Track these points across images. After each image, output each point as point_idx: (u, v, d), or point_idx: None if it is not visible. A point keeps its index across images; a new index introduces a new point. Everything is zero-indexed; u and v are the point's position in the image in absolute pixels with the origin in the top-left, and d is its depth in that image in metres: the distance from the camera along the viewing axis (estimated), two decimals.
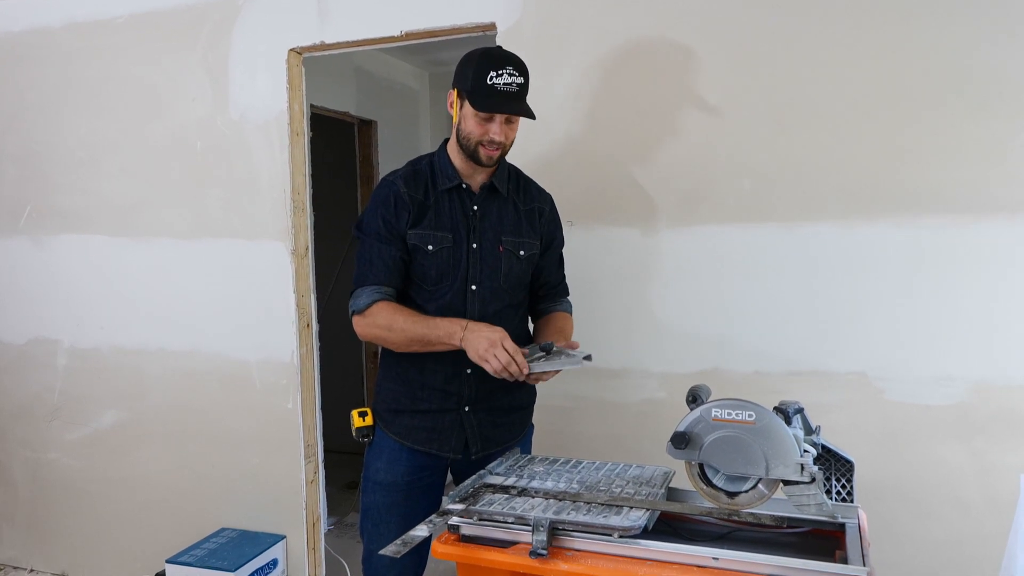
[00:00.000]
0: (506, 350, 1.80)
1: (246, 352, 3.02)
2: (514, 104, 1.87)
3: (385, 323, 1.93)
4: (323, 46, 2.84)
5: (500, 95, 1.84)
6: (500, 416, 2.06)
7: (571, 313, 2.20)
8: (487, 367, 1.82)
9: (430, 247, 1.95)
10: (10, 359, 3.41)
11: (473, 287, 1.98)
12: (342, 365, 4.58)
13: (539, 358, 1.87)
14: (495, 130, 1.89)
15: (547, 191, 2.16)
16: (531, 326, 2.19)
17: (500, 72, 1.84)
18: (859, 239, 2.29)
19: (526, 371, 1.81)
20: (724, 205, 2.41)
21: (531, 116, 1.91)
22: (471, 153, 1.93)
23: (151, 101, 3.07)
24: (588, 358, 1.88)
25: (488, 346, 1.81)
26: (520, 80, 1.88)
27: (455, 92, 1.94)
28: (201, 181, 3.02)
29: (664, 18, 2.43)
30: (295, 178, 2.92)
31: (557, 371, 1.89)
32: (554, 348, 1.90)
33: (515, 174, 2.11)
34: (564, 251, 2.23)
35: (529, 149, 2.49)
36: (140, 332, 3.17)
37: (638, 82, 2.47)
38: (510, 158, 2.11)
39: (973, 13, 2.16)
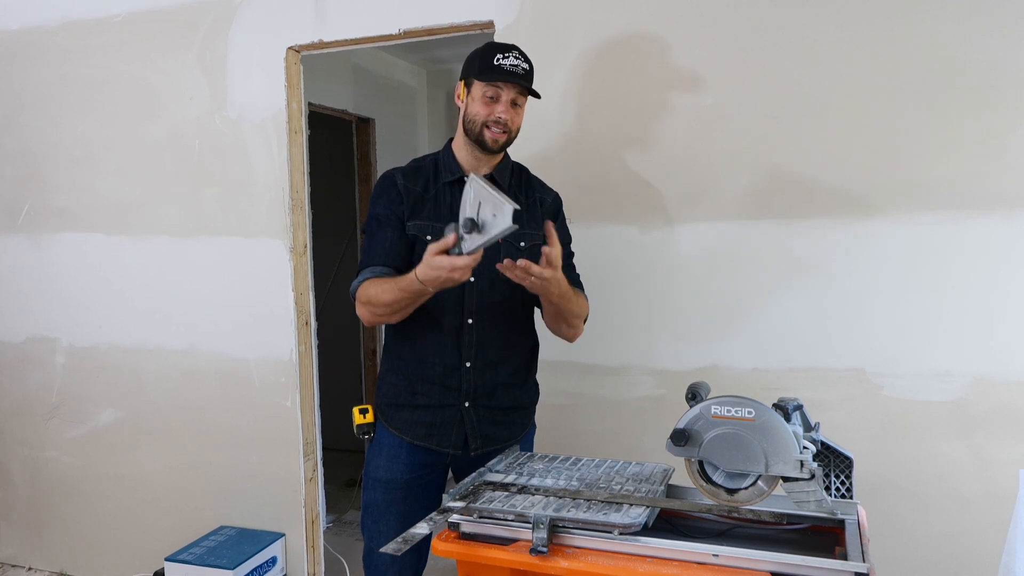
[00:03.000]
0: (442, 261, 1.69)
1: (245, 350, 3.02)
2: (520, 80, 1.93)
3: (366, 299, 1.93)
4: (321, 44, 2.83)
5: (507, 73, 1.92)
6: (500, 414, 2.06)
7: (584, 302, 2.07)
8: (439, 279, 1.71)
9: (429, 237, 1.96)
10: (8, 358, 3.40)
11: (472, 279, 1.97)
12: (341, 363, 4.58)
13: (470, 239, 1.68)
14: (501, 110, 1.94)
15: (554, 190, 2.17)
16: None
17: (507, 55, 1.93)
18: (856, 235, 2.29)
19: (465, 258, 1.67)
20: (722, 202, 2.41)
21: (536, 95, 1.97)
22: (476, 137, 1.96)
23: (148, 100, 3.06)
24: (519, 214, 1.60)
25: (432, 259, 1.70)
26: (525, 66, 1.95)
27: (462, 83, 2.00)
28: (199, 179, 3.02)
29: (660, 13, 2.43)
30: (293, 176, 2.91)
31: (490, 240, 1.66)
32: (476, 220, 1.65)
33: (519, 170, 2.13)
34: None
35: (526, 147, 2.48)
36: (138, 330, 3.17)
37: (635, 78, 2.47)
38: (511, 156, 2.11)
39: (968, 6, 2.16)
